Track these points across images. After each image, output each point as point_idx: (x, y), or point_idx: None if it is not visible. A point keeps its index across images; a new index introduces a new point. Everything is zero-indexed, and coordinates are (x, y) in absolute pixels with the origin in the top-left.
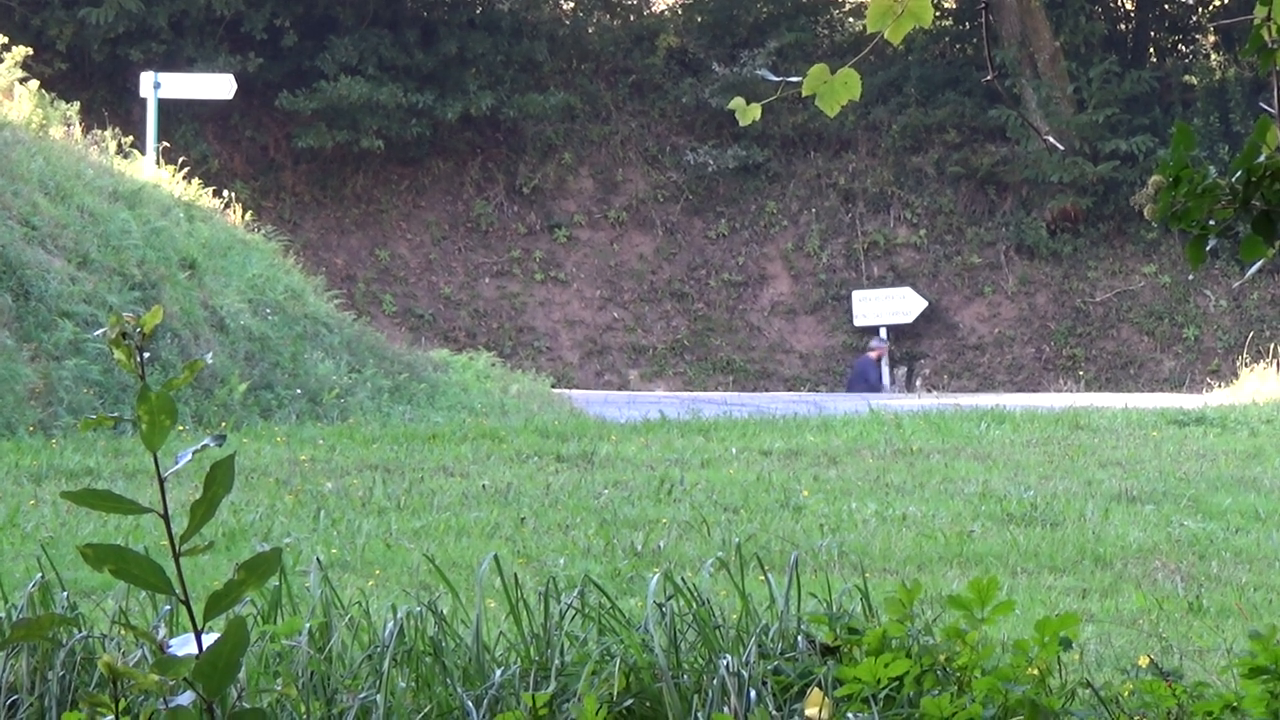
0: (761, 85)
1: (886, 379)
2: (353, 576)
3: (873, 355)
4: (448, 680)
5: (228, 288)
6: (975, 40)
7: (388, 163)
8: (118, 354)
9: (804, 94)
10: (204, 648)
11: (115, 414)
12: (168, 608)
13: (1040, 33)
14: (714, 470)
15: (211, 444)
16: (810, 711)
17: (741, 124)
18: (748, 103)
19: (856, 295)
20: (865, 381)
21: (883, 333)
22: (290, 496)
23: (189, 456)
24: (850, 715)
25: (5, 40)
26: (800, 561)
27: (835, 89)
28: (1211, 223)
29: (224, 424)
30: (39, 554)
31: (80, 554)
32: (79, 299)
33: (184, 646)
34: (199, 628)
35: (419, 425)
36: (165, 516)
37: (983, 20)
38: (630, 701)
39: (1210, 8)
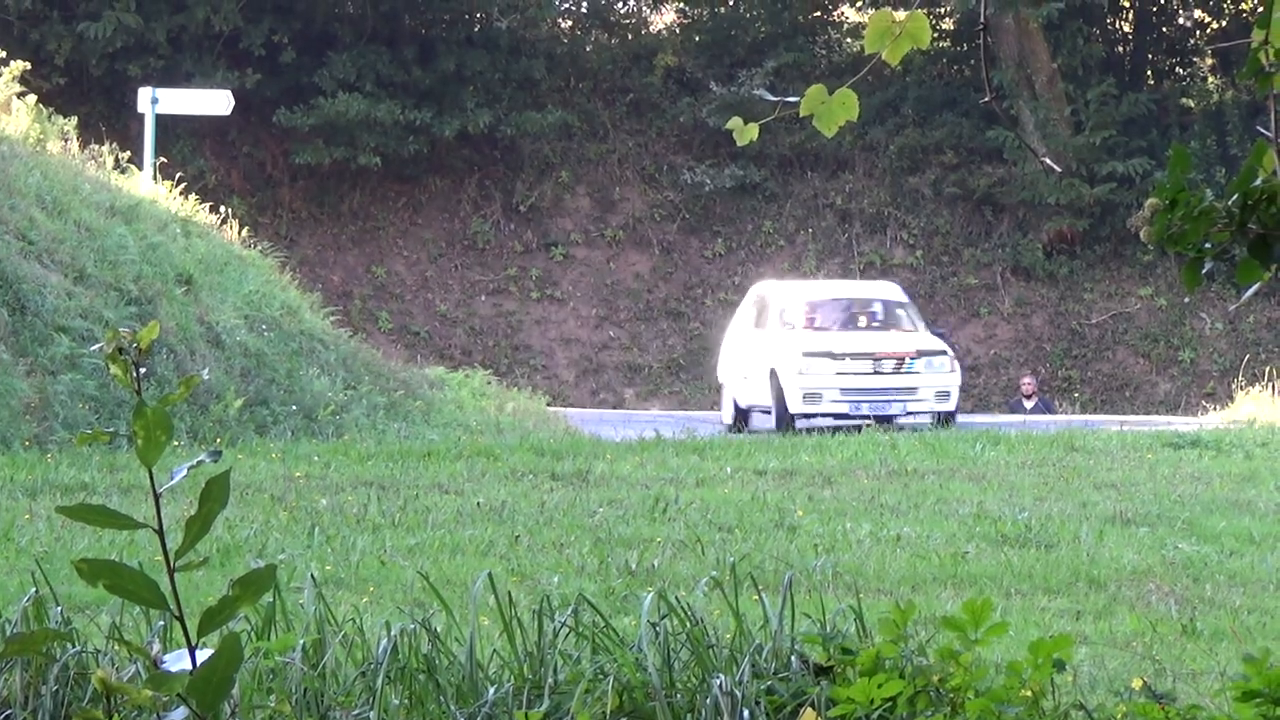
0: (759, 105)
1: None
2: (347, 593)
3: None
4: (441, 698)
5: (224, 304)
6: (973, 62)
7: (385, 180)
8: (114, 369)
9: (801, 114)
10: (198, 664)
11: (111, 429)
12: (162, 623)
13: (1038, 55)
14: (709, 489)
15: (207, 460)
16: None
17: (739, 143)
18: (745, 122)
19: None
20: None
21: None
22: (285, 513)
23: (184, 472)
24: None
25: (3, 54)
26: (794, 581)
27: (833, 109)
28: (1208, 246)
29: (219, 440)
30: (33, 569)
31: (75, 569)
32: (75, 314)
33: (178, 662)
34: (193, 643)
35: (414, 442)
36: (160, 532)
37: (981, 42)
38: None
39: (1208, 31)
